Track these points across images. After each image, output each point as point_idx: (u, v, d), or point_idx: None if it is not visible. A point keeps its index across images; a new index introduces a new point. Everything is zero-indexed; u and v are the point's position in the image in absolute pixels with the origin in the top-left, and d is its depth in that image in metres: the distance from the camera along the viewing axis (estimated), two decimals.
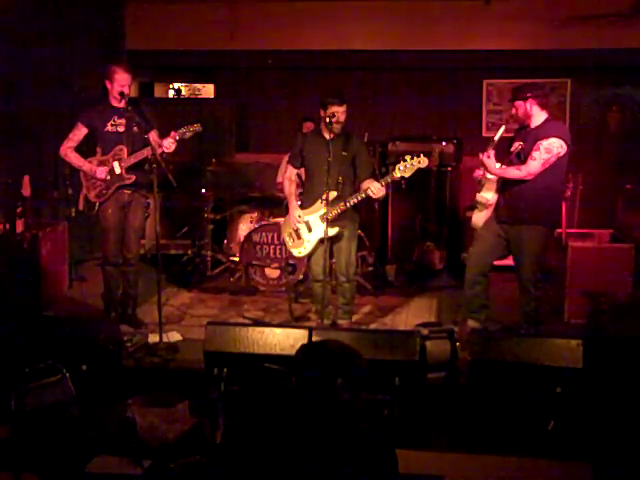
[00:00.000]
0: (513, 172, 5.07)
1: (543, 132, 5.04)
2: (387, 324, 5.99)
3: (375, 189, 5.17)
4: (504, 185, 5.21)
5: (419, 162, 5.14)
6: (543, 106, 5.14)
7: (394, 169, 5.21)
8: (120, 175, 5.55)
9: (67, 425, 4.11)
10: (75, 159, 5.62)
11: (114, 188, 5.58)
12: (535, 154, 4.98)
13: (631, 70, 7.88)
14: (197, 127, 5.49)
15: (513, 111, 5.25)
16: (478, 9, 7.85)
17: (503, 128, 5.24)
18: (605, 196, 7.66)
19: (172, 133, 5.43)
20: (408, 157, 5.17)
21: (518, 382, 4.22)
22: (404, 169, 5.16)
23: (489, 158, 5.11)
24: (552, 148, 4.97)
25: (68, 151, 5.62)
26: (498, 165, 5.16)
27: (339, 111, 5.21)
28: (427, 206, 7.45)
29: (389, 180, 5.27)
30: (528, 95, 5.10)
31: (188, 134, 5.49)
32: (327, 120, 5.18)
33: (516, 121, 5.35)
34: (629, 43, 7.63)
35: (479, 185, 5.38)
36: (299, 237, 5.53)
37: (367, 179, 5.35)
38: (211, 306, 6.48)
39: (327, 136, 5.22)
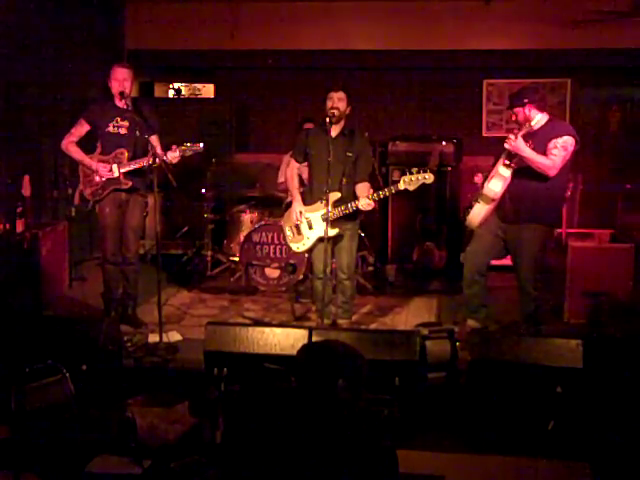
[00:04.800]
0: (542, 159, 4.99)
1: (555, 132, 5.04)
2: (387, 324, 5.99)
3: (364, 204, 5.17)
4: (509, 184, 5.19)
5: (425, 178, 5.13)
6: (542, 108, 5.14)
7: (399, 181, 5.19)
8: (117, 179, 5.55)
9: (67, 425, 4.10)
10: (75, 152, 5.65)
11: (109, 191, 5.58)
12: (555, 151, 4.98)
13: (631, 70, 7.88)
14: (198, 147, 5.50)
15: (513, 117, 5.25)
16: (478, 9, 7.85)
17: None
18: (605, 196, 7.65)
19: (174, 147, 5.45)
20: (415, 170, 5.15)
21: (518, 382, 4.21)
22: (409, 182, 5.14)
23: (518, 139, 5.01)
24: (567, 146, 5.00)
25: (69, 145, 5.65)
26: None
27: (334, 97, 5.22)
28: (427, 206, 7.44)
29: (393, 191, 5.24)
30: (525, 101, 5.09)
31: (188, 152, 5.49)
32: (327, 112, 5.20)
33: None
34: (629, 43, 7.63)
35: (480, 187, 5.34)
36: (299, 232, 5.52)
37: (363, 181, 5.36)
38: (211, 306, 6.48)
39: (332, 133, 5.22)
